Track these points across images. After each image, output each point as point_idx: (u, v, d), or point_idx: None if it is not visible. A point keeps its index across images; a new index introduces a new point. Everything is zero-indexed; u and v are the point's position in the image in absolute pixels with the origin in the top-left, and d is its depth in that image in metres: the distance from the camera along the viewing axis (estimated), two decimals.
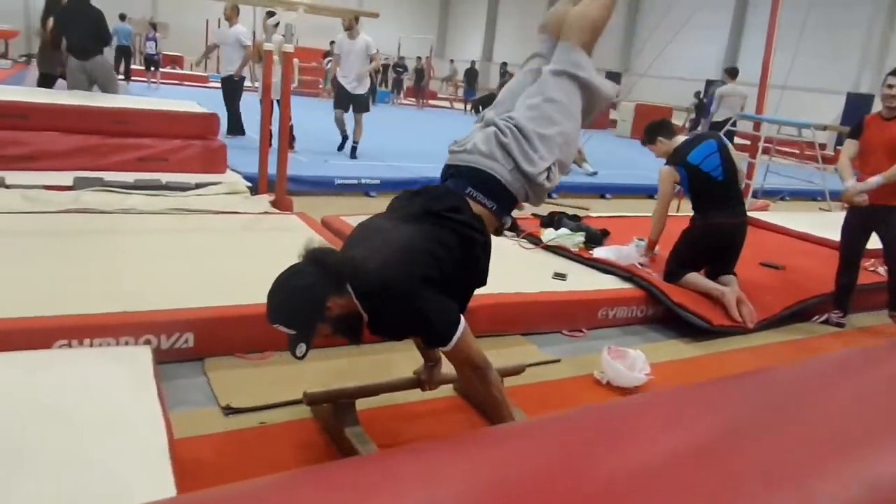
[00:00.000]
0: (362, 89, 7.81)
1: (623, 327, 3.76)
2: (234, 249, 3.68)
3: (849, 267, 4.17)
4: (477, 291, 2.16)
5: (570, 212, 5.41)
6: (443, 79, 23.91)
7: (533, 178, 2.05)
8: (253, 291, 2.94)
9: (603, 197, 8.07)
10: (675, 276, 3.98)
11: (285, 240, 3.87)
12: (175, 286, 2.96)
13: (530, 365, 2.91)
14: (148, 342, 2.53)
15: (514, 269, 3.87)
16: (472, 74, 19.88)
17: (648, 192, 8.48)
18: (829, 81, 17.86)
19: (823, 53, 17.63)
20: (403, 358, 2.82)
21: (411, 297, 1.81)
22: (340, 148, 7.98)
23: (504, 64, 19.67)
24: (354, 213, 4.85)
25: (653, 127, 4.16)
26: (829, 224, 6.50)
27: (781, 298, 4.10)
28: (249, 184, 5.42)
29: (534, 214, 5.07)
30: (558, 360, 3.17)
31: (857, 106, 17.60)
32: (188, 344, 2.64)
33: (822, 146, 15.87)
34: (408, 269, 1.81)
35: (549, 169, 2.09)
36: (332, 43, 11.09)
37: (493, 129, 2.08)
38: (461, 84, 22.65)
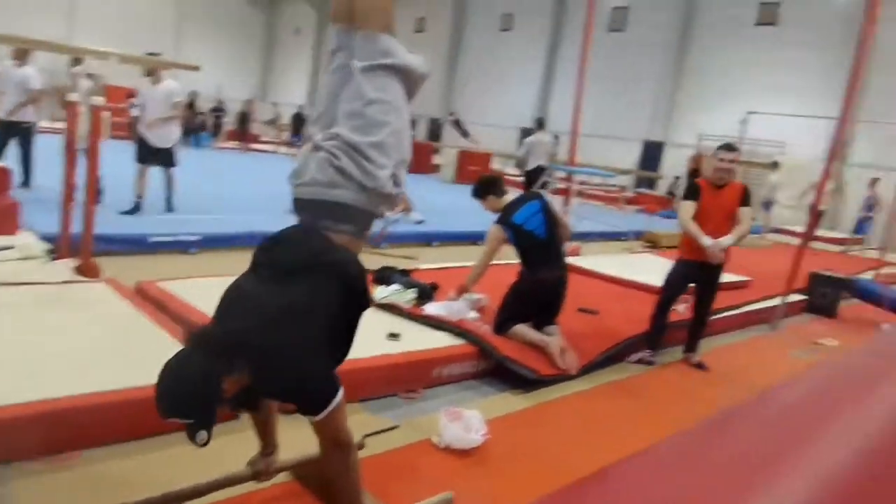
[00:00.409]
0: (167, 142, 7.04)
1: (458, 383, 3.82)
2: (30, 329, 3.26)
3: (666, 311, 4.61)
4: None
5: (400, 265, 5.48)
6: (265, 122, 23.42)
7: (380, 190, 2.00)
8: (58, 380, 2.66)
9: (429, 245, 8.24)
10: (503, 328, 4.14)
11: (91, 315, 3.56)
12: None
13: (368, 435, 2.85)
14: None
15: None
16: (298, 120, 19.66)
17: (473, 239, 8.82)
18: (626, 130, 19.84)
19: (621, 105, 19.61)
20: (229, 443, 2.66)
21: (294, 362, 1.75)
22: (131, 212, 6.81)
23: None
24: (173, 277, 4.55)
25: (484, 184, 4.35)
26: (630, 266, 7.17)
27: (599, 343, 4.40)
28: (49, 245, 4.90)
29: (372, 272, 5.06)
30: (397, 426, 3.14)
31: (651, 151, 19.73)
32: None
33: (623, 188, 17.56)
34: (291, 335, 1.76)
35: (393, 175, 2.03)
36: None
37: (324, 155, 1.99)
38: (285, 128, 22.34)
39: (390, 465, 2.77)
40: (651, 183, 19.05)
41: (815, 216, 6.74)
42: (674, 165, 19.04)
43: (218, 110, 19.48)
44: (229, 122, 21.14)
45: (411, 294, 4.51)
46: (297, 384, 1.80)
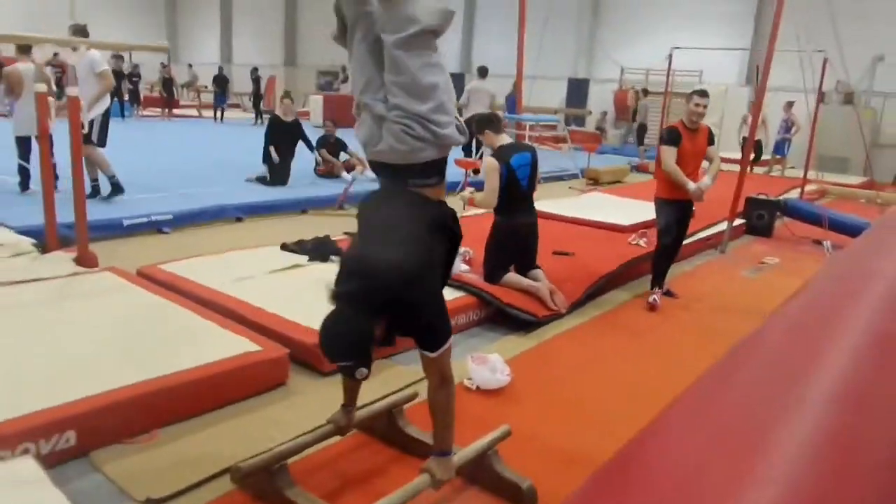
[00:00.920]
0: (89, 116, 6.32)
1: (464, 331, 4.16)
2: (63, 325, 3.37)
3: (672, 254, 5.03)
4: None
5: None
6: (182, 85, 22.54)
7: (452, 142, 2.23)
8: (117, 370, 2.82)
9: None
10: (495, 278, 4.47)
11: (114, 303, 3.68)
12: (14, 381, 2.70)
13: (412, 384, 3.15)
14: (26, 451, 2.32)
15: (315, 299, 4.05)
16: (221, 80, 19.03)
17: None
18: (551, 69, 20.14)
19: (545, 44, 19.78)
20: (283, 411, 2.94)
21: (430, 308, 2.12)
22: (91, 195, 6.07)
23: (255, 69, 19.11)
24: (169, 260, 4.65)
25: (483, 119, 4.62)
26: (587, 206, 7.62)
27: (580, 283, 4.80)
28: (31, 239, 4.88)
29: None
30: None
31: (576, 89, 20.17)
32: (70, 443, 2.46)
33: (554, 127, 17.96)
34: (425, 285, 2.09)
35: (456, 125, 2.23)
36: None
37: (398, 128, 2.14)
38: (203, 89, 21.61)
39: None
40: (580, 120, 19.56)
41: (752, 146, 7.30)
42: (599, 101, 19.64)
43: (134, 76, 18.61)
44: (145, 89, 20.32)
45: None
46: (431, 324, 2.14)
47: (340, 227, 5.97)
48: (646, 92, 15.98)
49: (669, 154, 4.74)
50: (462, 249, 4.84)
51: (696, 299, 5.06)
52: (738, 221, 7.41)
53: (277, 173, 8.19)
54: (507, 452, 2.55)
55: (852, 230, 7.20)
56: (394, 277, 1.96)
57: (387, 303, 1.99)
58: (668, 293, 5.07)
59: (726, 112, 17.44)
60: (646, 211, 6.43)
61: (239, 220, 6.77)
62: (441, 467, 2.23)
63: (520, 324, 4.24)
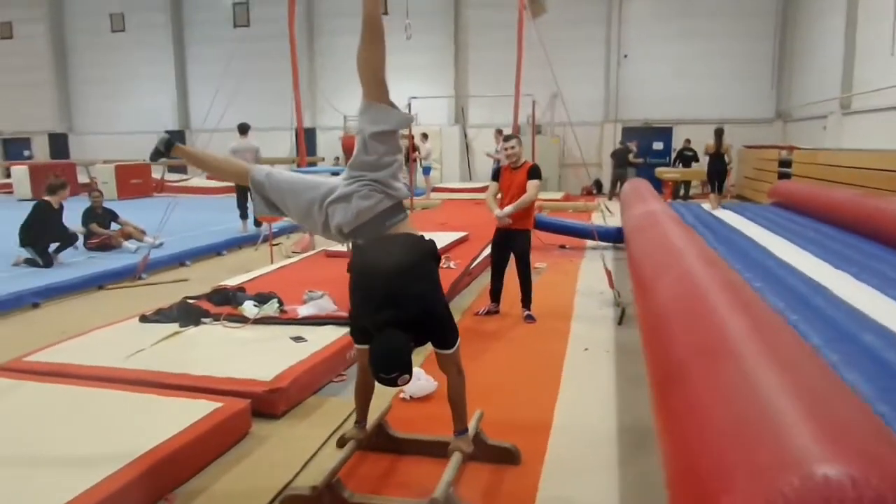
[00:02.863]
0: None
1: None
2: None
3: (496, 272, 5.86)
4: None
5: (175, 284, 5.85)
6: None
7: (402, 194, 2.90)
8: (96, 463, 2.74)
9: (185, 265, 8.32)
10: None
11: (20, 404, 3.44)
12: None
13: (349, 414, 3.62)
14: None
15: (256, 349, 4.35)
16: None
17: (218, 250, 9.13)
18: (278, 120, 20.57)
19: (267, 97, 20.15)
20: (271, 451, 3.27)
21: (443, 318, 2.73)
22: None
23: None
24: (32, 351, 4.33)
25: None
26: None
27: None
28: None
29: (207, 297, 5.39)
30: None
31: (309, 138, 20.91)
32: None
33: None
34: (437, 303, 2.69)
35: (405, 184, 2.95)
36: None
37: (365, 189, 2.78)
38: None
39: (395, 420, 3.60)
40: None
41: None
42: (327, 148, 20.67)
43: None
44: None
45: (275, 302, 5.08)
46: (445, 330, 2.74)
47: (147, 298, 6.14)
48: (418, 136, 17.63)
49: (491, 188, 5.77)
50: (320, 292, 5.32)
51: (512, 304, 6.13)
52: None
53: (45, 254, 7.50)
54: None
55: (584, 233, 9.15)
56: (420, 304, 2.61)
57: (413, 321, 2.59)
58: (529, 318, 5.72)
59: (444, 147, 19.74)
60: (442, 238, 7.49)
61: (35, 305, 6.24)
62: (464, 443, 2.88)
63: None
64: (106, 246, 8.47)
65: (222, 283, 6.05)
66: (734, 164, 15.53)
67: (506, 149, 5.64)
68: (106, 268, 7.33)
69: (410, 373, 2.52)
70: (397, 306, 2.56)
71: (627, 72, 18.71)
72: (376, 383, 2.86)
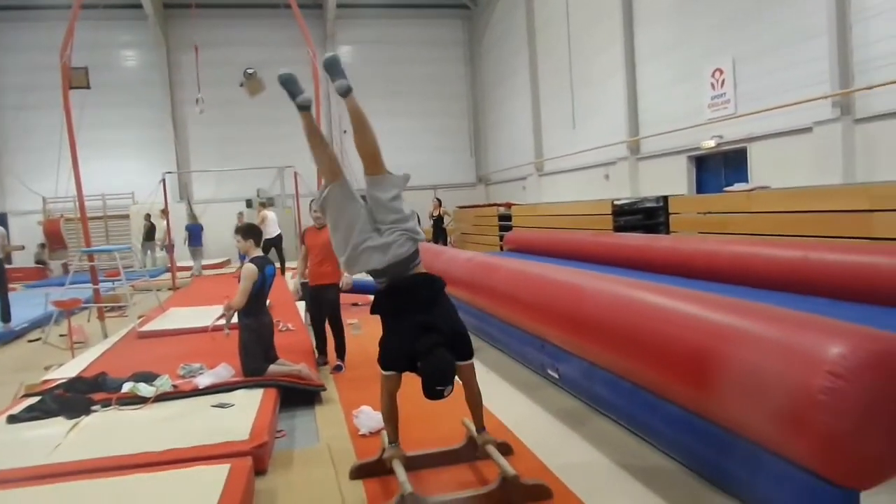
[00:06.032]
0: None
1: (289, 411, 4.90)
2: None
3: (315, 324, 6.26)
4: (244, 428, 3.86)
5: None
6: None
7: (422, 237, 3.53)
8: None
9: None
10: (261, 371, 5.08)
11: None
12: None
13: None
14: None
15: (191, 420, 4.25)
16: None
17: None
18: None
19: None
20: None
21: (466, 335, 3.43)
22: None
23: None
24: None
25: (253, 229, 5.46)
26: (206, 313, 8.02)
27: (307, 356, 5.81)
28: None
29: (65, 388, 4.87)
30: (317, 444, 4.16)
31: None
32: None
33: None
34: (460, 323, 3.41)
35: (419, 230, 3.55)
36: None
37: (402, 239, 3.39)
38: None
39: (366, 453, 3.90)
40: (8, 258, 17.57)
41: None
42: (23, 235, 18.14)
43: None
44: None
45: (167, 380, 4.88)
46: (467, 345, 3.42)
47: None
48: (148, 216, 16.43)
49: (301, 251, 6.42)
50: (198, 365, 5.26)
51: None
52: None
53: None
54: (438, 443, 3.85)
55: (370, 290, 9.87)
56: (451, 326, 3.37)
57: (449, 341, 3.29)
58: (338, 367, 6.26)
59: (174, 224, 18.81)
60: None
61: None
62: (490, 436, 3.54)
63: (307, 396, 5.08)
64: None
65: (49, 378, 5.47)
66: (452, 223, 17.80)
67: (314, 213, 6.16)
68: None
69: (452, 384, 3.19)
70: (439, 331, 3.26)
71: (349, 145, 20.15)
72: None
